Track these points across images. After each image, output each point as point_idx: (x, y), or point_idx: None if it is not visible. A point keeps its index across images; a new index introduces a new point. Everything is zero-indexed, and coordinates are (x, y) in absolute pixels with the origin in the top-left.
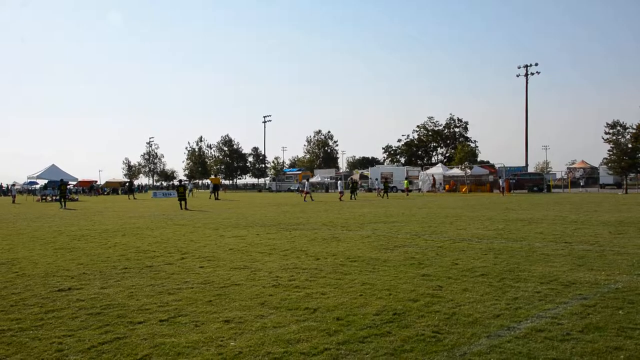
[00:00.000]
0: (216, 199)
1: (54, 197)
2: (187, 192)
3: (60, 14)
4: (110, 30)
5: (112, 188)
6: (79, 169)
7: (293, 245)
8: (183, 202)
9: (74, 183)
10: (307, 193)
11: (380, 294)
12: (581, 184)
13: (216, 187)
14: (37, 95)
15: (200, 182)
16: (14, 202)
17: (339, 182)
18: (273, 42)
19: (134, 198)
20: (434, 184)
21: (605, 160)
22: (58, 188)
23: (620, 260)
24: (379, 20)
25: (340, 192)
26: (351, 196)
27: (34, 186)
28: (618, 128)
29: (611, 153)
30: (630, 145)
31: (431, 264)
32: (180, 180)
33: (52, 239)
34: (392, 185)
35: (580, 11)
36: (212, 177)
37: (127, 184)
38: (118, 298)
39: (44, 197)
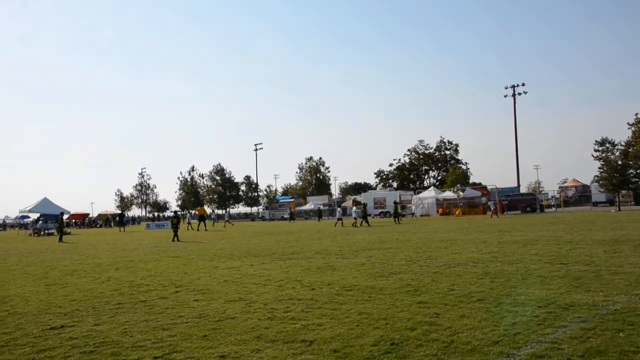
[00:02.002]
0: (206, 229)
1: (46, 231)
2: (213, 222)
3: (50, 46)
4: (99, 57)
5: (105, 220)
6: (71, 202)
7: (288, 275)
8: (176, 233)
9: (67, 216)
10: (355, 219)
11: (377, 324)
12: (552, 204)
13: (202, 218)
14: (24, 123)
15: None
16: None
17: (337, 208)
18: (264, 69)
19: (124, 230)
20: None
21: (596, 178)
22: (56, 221)
23: (617, 280)
24: (367, 45)
25: (339, 219)
26: (362, 222)
27: (25, 220)
28: (607, 145)
29: (602, 170)
30: (620, 162)
31: (427, 291)
32: (175, 212)
33: (44, 275)
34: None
35: (567, 28)
36: (199, 207)
37: (118, 216)
38: (112, 335)
39: (36, 231)
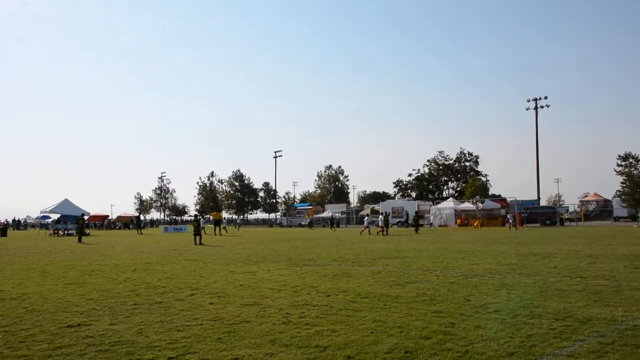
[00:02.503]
0: (221, 234)
1: (66, 232)
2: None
3: (61, 47)
4: (120, 64)
5: (124, 222)
6: (91, 203)
7: (304, 281)
8: (197, 237)
9: (87, 217)
10: (382, 227)
11: (391, 332)
12: (571, 217)
13: (217, 223)
14: (46, 125)
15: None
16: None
17: (365, 218)
18: (284, 79)
19: (141, 233)
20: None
21: (618, 193)
22: (76, 222)
23: (638, 295)
24: (384, 60)
25: (366, 227)
26: (385, 231)
27: (46, 220)
28: (630, 160)
29: (624, 185)
30: None
31: (443, 300)
32: (195, 215)
33: (62, 274)
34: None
35: (589, 42)
36: (214, 212)
37: (135, 218)
38: (127, 334)
39: (56, 231)
